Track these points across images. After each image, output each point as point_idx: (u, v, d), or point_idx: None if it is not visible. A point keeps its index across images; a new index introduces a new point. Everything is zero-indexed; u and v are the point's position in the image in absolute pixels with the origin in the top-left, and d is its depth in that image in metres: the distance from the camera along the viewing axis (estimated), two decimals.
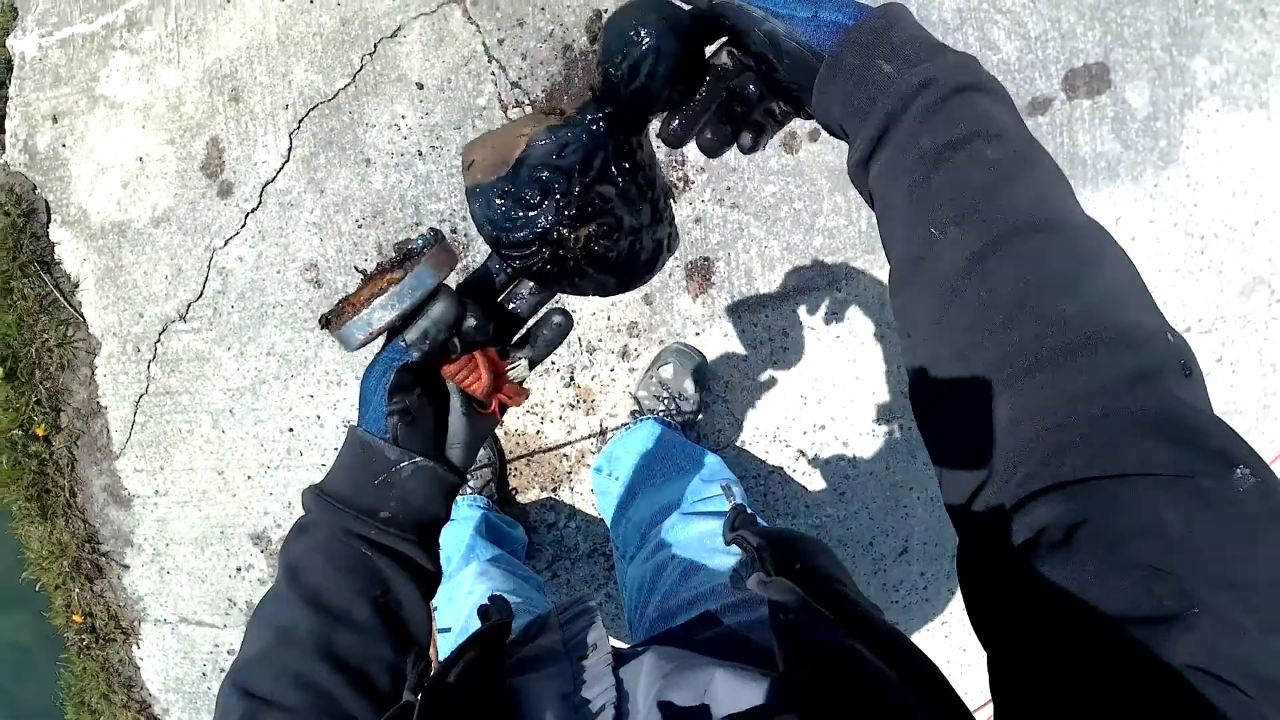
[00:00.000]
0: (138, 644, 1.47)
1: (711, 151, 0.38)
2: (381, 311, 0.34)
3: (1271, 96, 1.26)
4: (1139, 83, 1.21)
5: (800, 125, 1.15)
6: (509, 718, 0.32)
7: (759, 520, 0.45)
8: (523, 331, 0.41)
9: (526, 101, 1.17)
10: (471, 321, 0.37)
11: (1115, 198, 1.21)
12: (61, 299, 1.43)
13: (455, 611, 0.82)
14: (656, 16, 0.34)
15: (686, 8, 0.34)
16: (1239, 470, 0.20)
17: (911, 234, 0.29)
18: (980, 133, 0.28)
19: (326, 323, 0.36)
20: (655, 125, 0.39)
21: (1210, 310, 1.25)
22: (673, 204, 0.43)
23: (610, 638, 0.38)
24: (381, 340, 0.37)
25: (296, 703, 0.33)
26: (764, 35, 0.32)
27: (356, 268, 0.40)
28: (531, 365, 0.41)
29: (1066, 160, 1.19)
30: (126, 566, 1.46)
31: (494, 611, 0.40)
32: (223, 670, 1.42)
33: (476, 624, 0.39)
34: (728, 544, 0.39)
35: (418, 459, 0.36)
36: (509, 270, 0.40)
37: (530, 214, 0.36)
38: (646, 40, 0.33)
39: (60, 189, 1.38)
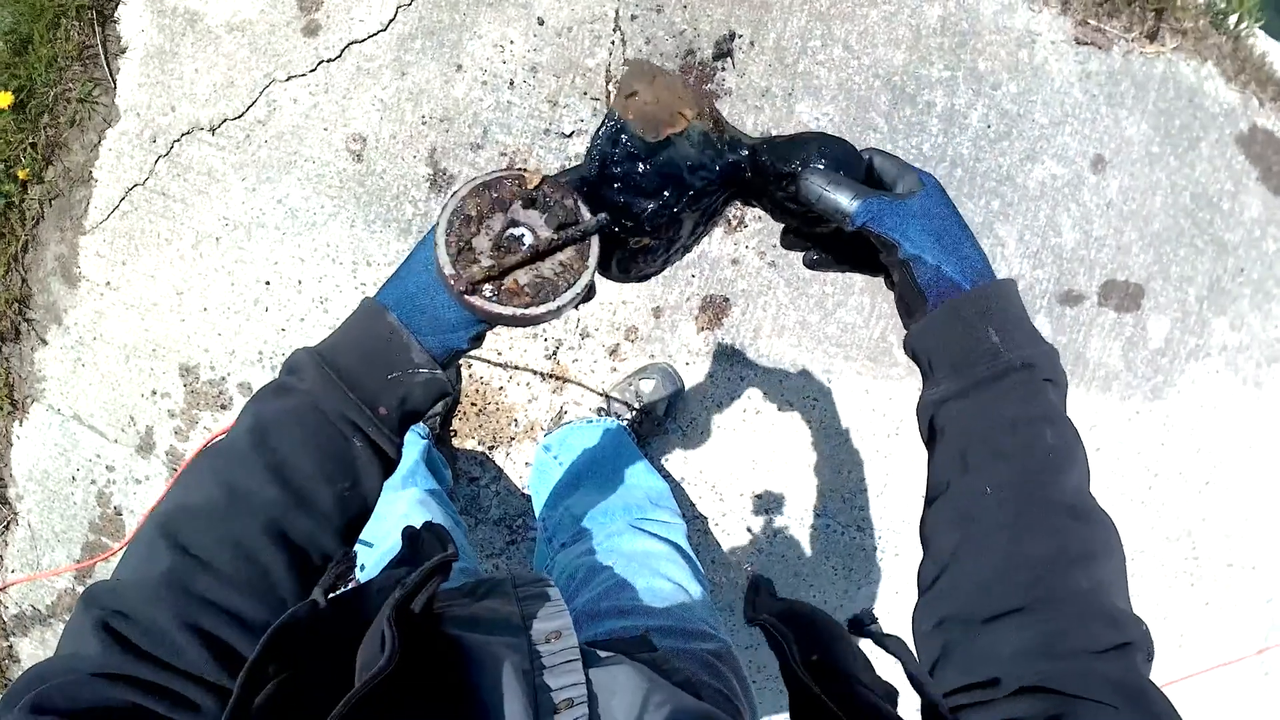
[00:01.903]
0: (22, 420, 1.40)
1: (807, 260, 0.44)
2: (563, 305, 0.34)
3: (1269, 381, 1.35)
4: (1163, 318, 1.28)
5: None
6: (461, 673, 0.31)
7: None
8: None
9: None
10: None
11: (1099, 406, 1.27)
12: (103, 57, 1.36)
13: (383, 530, 0.80)
14: (854, 165, 0.38)
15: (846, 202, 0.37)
16: None
17: (965, 480, 0.34)
18: (1049, 418, 0.34)
19: (471, 290, 0.34)
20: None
21: (1135, 541, 1.33)
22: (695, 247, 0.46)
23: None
24: (445, 226, 0.35)
25: (232, 570, 0.31)
26: (899, 261, 0.37)
27: (524, 176, 0.36)
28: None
29: (1073, 357, 1.25)
30: (45, 342, 1.39)
31: (435, 541, 0.38)
32: (94, 482, 1.36)
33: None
34: (749, 623, 0.38)
35: (438, 370, 0.35)
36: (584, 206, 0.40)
37: (638, 196, 0.38)
38: (818, 163, 0.38)
39: None
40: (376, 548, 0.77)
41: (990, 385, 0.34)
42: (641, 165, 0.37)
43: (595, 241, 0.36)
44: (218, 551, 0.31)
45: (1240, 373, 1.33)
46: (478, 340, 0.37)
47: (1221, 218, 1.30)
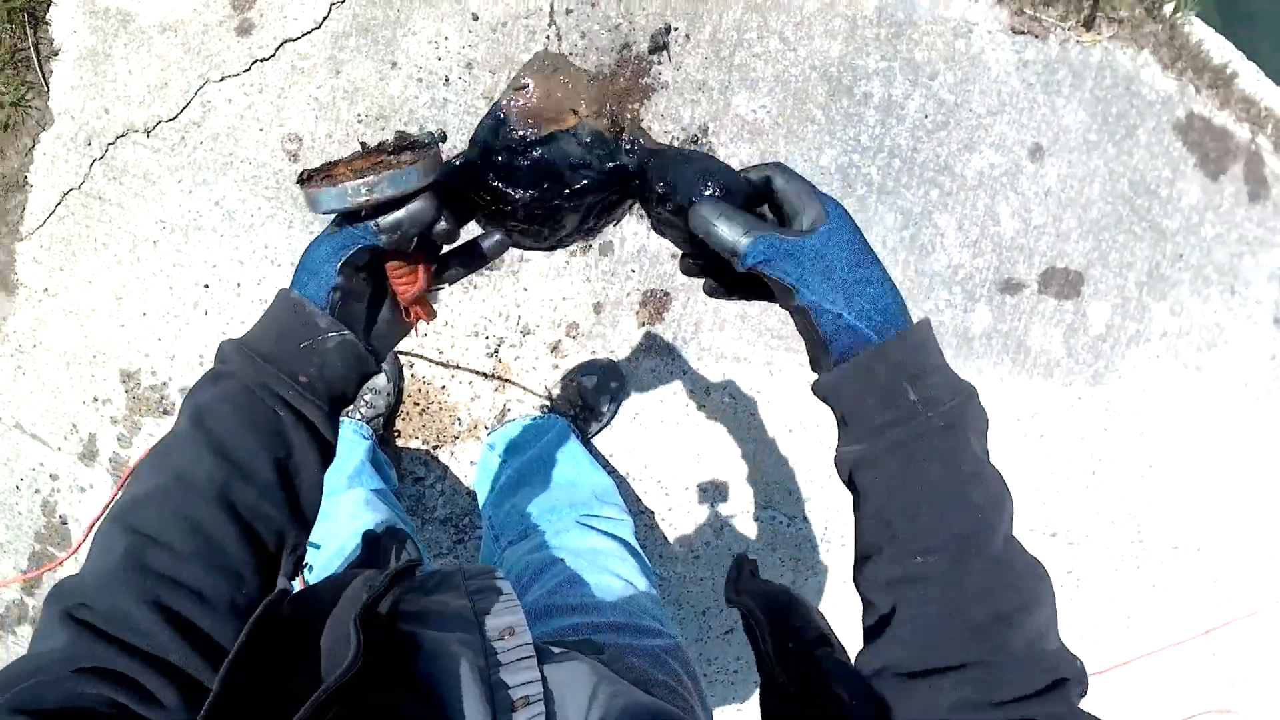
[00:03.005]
0: None
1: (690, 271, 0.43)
2: (369, 189, 0.34)
3: (1208, 364, 1.37)
4: (1104, 304, 1.30)
5: None
6: (418, 669, 0.31)
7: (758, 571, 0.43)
8: (452, 248, 0.42)
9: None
10: (442, 226, 0.37)
11: (1042, 392, 1.29)
12: (35, 60, 1.34)
13: (332, 530, 0.79)
14: (735, 190, 0.37)
15: (735, 238, 0.35)
16: None
17: (894, 547, 0.33)
18: (975, 477, 0.33)
19: (307, 178, 0.35)
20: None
21: (1081, 526, 1.34)
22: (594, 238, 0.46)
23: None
24: (341, 215, 0.36)
25: (185, 545, 0.32)
26: (800, 306, 0.35)
27: (360, 141, 0.39)
28: (453, 280, 0.43)
29: (1015, 345, 1.26)
30: None
31: (395, 545, 0.39)
32: (38, 491, 1.34)
33: (355, 545, 0.38)
34: (729, 604, 0.38)
35: (345, 331, 0.37)
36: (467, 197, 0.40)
37: (513, 186, 0.38)
38: (709, 190, 0.36)
39: None
40: (324, 548, 0.76)
41: (911, 448, 0.32)
42: (518, 158, 0.38)
43: (435, 155, 0.36)
44: (170, 528, 0.32)
45: (1180, 357, 1.35)
46: (351, 269, 0.37)
47: (1160, 204, 1.31)
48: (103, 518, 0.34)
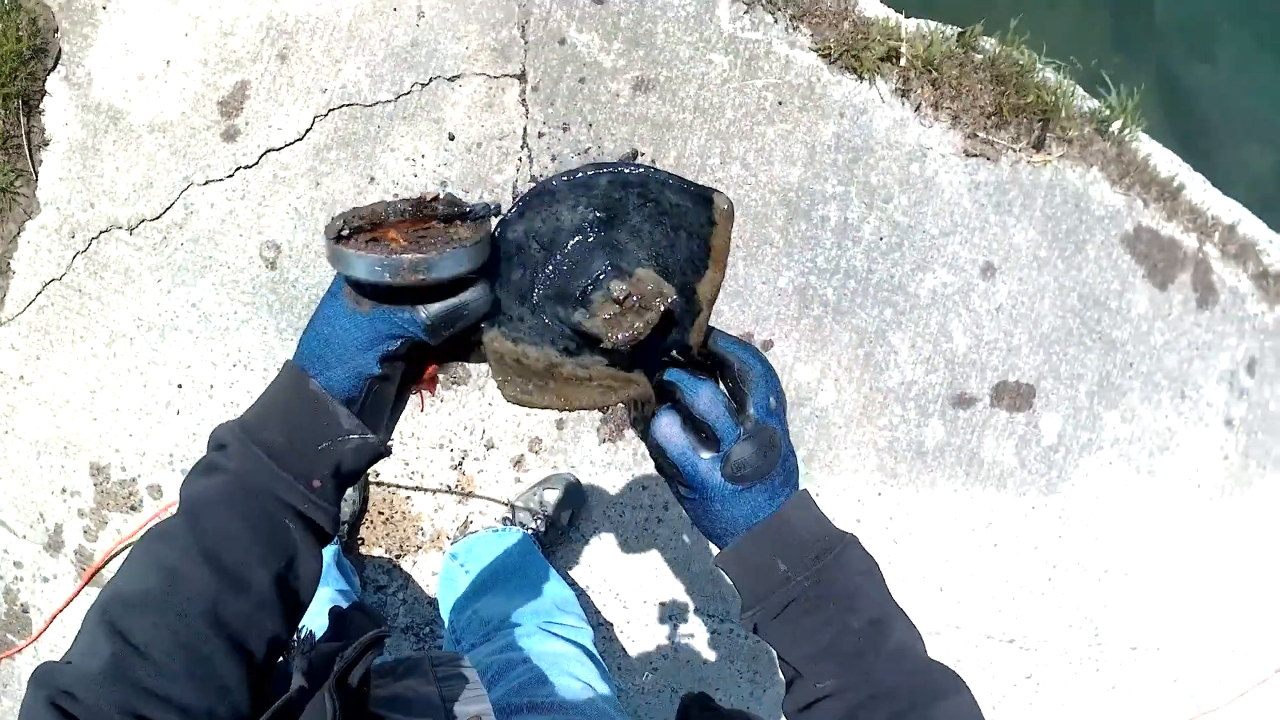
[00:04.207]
0: None
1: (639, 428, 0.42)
2: (424, 268, 0.29)
3: (1161, 468, 1.41)
4: (1055, 415, 1.34)
5: (760, 329, 1.23)
6: None
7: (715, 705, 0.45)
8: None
9: None
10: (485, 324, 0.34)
11: (995, 503, 1.32)
12: (26, 148, 1.38)
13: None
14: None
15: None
16: None
17: (799, 676, 0.38)
18: (850, 609, 0.37)
19: (343, 237, 0.31)
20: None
21: (1038, 632, 1.36)
22: None
23: None
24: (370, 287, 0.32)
25: (171, 662, 0.31)
26: (680, 473, 0.37)
27: (409, 200, 0.33)
28: (463, 359, 0.38)
29: (967, 458, 1.30)
30: None
31: (364, 619, 0.38)
32: (1, 577, 1.34)
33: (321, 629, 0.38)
34: None
35: (369, 435, 0.34)
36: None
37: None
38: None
39: (79, 45, 1.35)
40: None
41: (790, 608, 0.37)
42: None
43: (490, 224, 0.33)
44: (156, 641, 0.32)
45: (1133, 463, 1.39)
46: (392, 361, 0.34)
47: (1109, 315, 1.36)
48: (92, 605, 0.33)
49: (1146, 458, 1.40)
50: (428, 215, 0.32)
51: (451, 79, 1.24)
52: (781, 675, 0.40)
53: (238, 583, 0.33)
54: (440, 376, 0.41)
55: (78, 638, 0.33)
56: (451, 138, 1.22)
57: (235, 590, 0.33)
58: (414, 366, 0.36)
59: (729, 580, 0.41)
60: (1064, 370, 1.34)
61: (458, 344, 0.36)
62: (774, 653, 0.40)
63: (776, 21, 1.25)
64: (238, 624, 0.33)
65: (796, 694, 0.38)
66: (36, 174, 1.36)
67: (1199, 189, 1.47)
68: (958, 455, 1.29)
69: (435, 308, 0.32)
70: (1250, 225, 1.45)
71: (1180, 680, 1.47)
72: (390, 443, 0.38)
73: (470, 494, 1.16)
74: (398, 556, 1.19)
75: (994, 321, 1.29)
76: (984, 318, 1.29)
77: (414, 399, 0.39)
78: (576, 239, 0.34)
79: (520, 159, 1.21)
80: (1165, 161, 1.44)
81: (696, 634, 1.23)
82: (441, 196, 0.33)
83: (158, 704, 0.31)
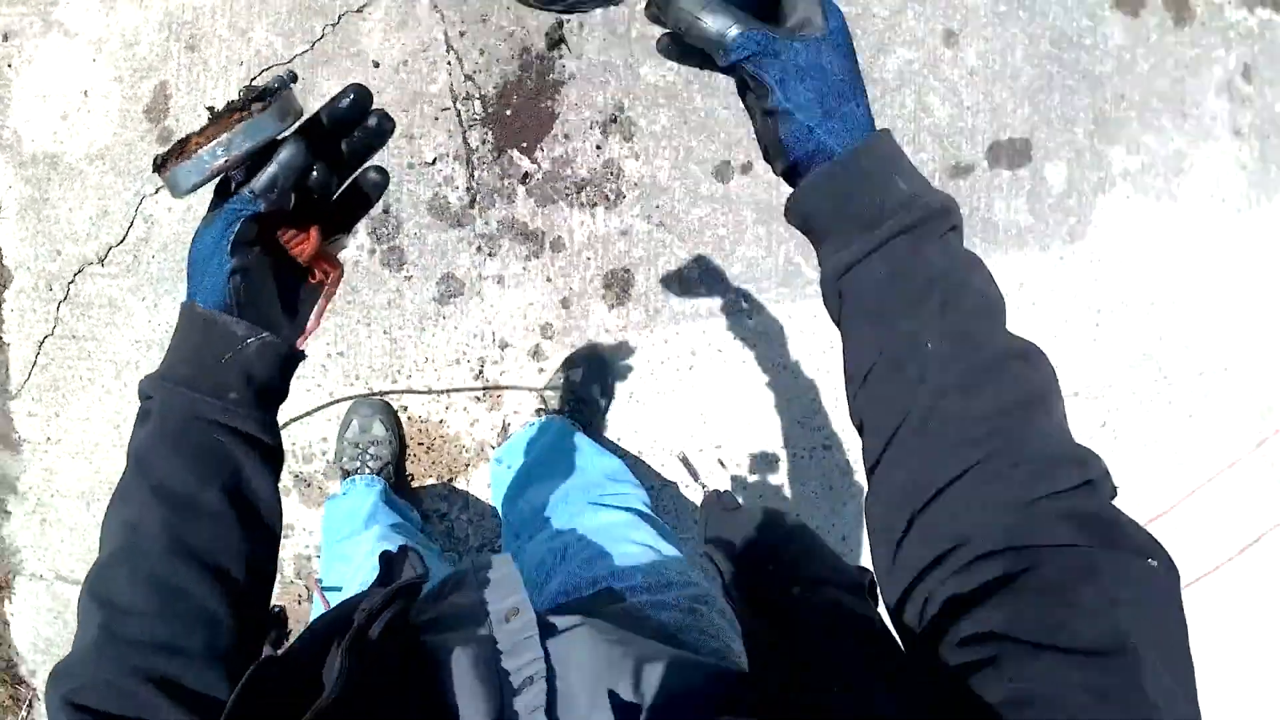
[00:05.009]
0: (10, 599, 1.40)
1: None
2: (225, 148, 0.31)
3: (1181, 191, 1.36)
4: (1058, 162, 1.29)
5: (735, 155, 1.20)
6: (427, 680, 0.31)
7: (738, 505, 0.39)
8: (336, 195, 0.39)
9: (477, 95, 1.18)
10: (316, 176, 0.35)
11: (1022, 263, 1.28)
12: None
13: (351, 571, 0.80)
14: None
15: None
16: (1150, 560, 0.26)
17: (897, 343, 0.31)
18: (970, 264, 0.32)
19: (161, 164, 0.33)
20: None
21: (1100, 378, 1.33)
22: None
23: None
24: (214, 191, 0.34)
25: (154, 606, 0.32)
26: (772, 109, 0.32)
27: (207, 107, 0.35)
28: (347, 228, 0.40)
29: (980, 224, 1.26)
30: (8, 513, 1.39)
31: (406, 564, 0.37)
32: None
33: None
34: (703, 554, 0.35)
35: (264, 334, 0.35)
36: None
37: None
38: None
39: None
40: (345, 590, 0.77)
41: (914, 231, 0.31)
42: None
43: (288, 97, 0.34)
44: (134, 593, 0.32)
45: (1151, 191, 1.34)
46: (242, 248, 0.34)
47: (1086, 53, 1.31)
48: (80, 590, 0.34)
49: (1163, 183, 1.35)
50: (231, 111, 0.33)
51: (359, 9, 1.21)
52: (845, 362, 0.34)
53: (188, 508, 0.33)
54: (334, 256, 0.40)
55: (76, 629, 0.33)
56: (376, 65, 1.19)
57: (187, 516, 0.33)
58: (279, 251, 0.37)
59: (809, 208, 0.33)
60: (1055, 117, 1.29)
61: (312, 209, 0.37)
62: (850, 460, 0.33)
63: None
64: (202, 546, 0.33)
65: (890, 361, 0.31)
66: None
67: None
68: (970, 225, 1.25)
69: (257, 180, 0.34)
70: None
71: (1254, 393, 1.43)
72: (302, 345, 0.38)
73: (498, 394, 1.14)
74: (449, 481, 1.19)
75: (970, 86, 1.25)
76: (959, 84, 1.24)
77: (326, 287, 0.40)
78: None
79: (449, 62, 1.18)
80: None
81: (761, 468, 1.22)
82: (239, 94, 0.35)
83: (151, 652, 0.31)
